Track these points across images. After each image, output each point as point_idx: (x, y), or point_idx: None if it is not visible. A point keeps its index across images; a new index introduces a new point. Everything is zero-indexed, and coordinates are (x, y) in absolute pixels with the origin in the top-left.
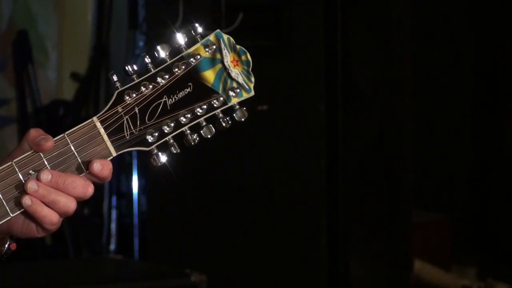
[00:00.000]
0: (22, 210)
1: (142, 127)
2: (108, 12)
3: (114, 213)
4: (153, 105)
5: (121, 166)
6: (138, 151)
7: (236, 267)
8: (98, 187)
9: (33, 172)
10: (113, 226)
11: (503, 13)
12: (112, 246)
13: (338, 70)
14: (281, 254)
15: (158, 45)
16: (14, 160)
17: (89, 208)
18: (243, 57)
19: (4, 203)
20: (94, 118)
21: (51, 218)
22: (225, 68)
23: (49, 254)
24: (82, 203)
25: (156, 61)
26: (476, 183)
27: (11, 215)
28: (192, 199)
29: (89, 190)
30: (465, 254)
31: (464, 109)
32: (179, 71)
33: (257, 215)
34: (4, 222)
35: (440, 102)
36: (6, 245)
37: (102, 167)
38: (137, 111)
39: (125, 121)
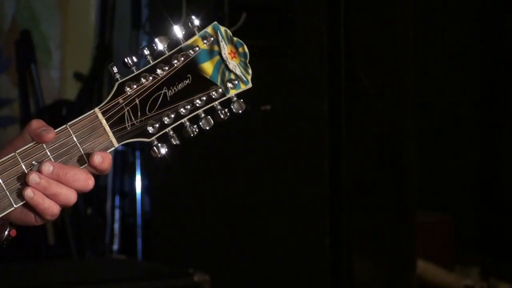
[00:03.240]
0: (25, 201)
1: (143, 118)
2: (111, 12)
3: (117, 213)
4: (154, 97)
5: (125, 166)
6: (139, 142)
7: (239, 267)
8: (102, 187)
9: (36, 163)
10: (116, 226)
11: (508, 9)
12: (115, 246)
13: (341, 70)
14: (284, 254)
15: (156, 37)
16: (17, 151)
17: (92, 208)
18: (240, 49)
19: (8, 194)
20: (96, 109)
21: (53, 209)
22: (223, 60)
23: (52, 254)
24: (85, 203)
25: (155, 54)
26: (479, 183)
27: (15, 206)
28: (195, 200)
29: (90, 183)
30: (468, 254)
31: (468, 109)
32: (178, 63)
33: (260, 215)
34: (8, 212)
35: (443, 102)
36: (6, 232)
37: (103, 160)
38: (137, 102)
39: (126, 112)
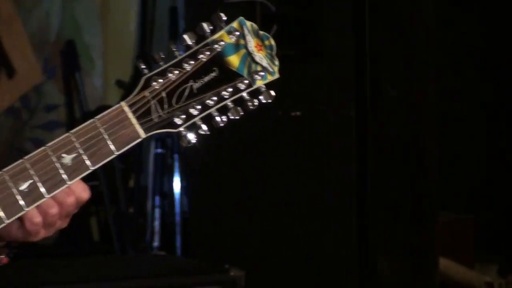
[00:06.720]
0: (60, 189)
1: (170, 110)
2: (150, 24)
3: (157, 212)
4: (180, 89)
5: (164, 169)
6: (166, 133)
7: (271, 264)
8: (143, 188)
9: (65, 155)
10: (157, 224)
11: None
12: (156, 243)
13: (367, 77)
14: (314, 253)
15: (184, 33)
16: (48, 145)
17: (134, 208)
18: (266, 42)
19: (41, 185)
20: (123, 103)
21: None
22: (249, 53)
23: (96, 251)
24: (127, 203)
25: (183, 49)
26: (498, 184)
27: (47, 196)
28: (230, 200)
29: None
30: (486, 253)
31: (488, 110)
32: (204, 57)
33: (291, 216)
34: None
35: (464, 104)
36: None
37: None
38: (164, 95)
39: (152, 105)
